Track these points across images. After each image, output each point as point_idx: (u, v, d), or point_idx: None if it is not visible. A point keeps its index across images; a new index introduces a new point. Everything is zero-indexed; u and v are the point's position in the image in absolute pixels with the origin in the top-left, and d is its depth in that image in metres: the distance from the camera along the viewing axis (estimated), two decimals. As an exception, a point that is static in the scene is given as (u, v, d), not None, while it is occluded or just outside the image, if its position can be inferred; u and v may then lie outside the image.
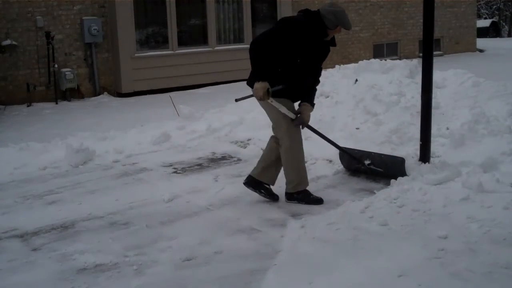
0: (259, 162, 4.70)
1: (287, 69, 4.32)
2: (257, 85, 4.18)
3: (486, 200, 4.31)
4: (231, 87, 11.03)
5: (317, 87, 4.75)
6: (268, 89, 4.17)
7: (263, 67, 4.23)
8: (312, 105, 4.55)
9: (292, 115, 4.40)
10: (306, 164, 5.50)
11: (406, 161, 4.89)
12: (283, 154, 4.52)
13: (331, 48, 4.60)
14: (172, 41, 11.33)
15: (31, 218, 4.49)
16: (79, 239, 4.04)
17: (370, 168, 5.01)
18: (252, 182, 4.65)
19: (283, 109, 4.35)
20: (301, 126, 4.49)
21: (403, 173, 4.84)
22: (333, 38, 4.56)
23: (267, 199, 4.63)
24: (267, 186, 4.65)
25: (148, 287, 3.32)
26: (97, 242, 3.97)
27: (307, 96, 4.52)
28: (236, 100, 4.50)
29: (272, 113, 4.48)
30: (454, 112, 6.39)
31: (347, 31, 4.57)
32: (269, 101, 4.26)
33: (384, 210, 4.28)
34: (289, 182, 4.59)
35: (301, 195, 4.58)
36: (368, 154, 5.08)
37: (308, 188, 4.63)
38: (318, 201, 4.56)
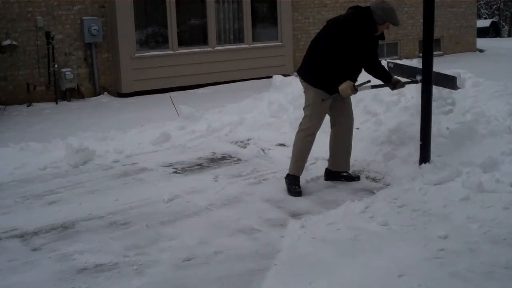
0: (330, 154, 5.06)
1: (346, 66, 4.62)
2: (343, 86, 4.52)
3: (486, 200, 4.31)
4: (231, 87, 11.04)
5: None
6: (353, 85, 4.57)
7: (336, 73, 4.56)
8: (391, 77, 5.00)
9: (382, 85, 4.99)
10: (306, 164, 5.53)
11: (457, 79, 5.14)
12: (297, 132, 4.87)
13: None
14: (172, 41, 11.33)
15: (31, 218, 4.49)
16: (79, 239, 4.04)
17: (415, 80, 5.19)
18: (330, 175, 5.04)
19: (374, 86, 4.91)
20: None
21: (454, 87, 5.18)
22: (382, 32, 4.82)
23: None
24: (345, 173, 5.02)
25: (148, 287, 3.33)
26: (97, 242, 3.97)
27: (385, 74, 4.98)
28: (323, 100, 4.73)
29: (308, 97, 4.82)
30: (454, 112, 6.38)
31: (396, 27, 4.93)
32: (358, 91, 4.66)
33: (384, 210, 4.28)
34: (290, 163, 4.90)
35: (289, 179, 4.83)
36: (419, 71, 5.14)
37: (303, 184, 4.87)
38: (296, 193, 4.72)
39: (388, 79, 4.96)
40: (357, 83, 4.68)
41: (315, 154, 5.81)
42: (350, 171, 5.07)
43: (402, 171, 5.03)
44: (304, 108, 4.90)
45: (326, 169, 5.12)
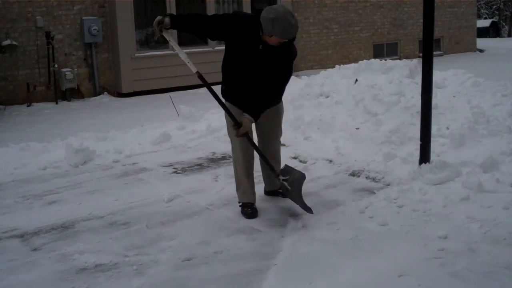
0: (263, 175, 4.70)
1: (229, 69, 4.26)
2: (158, 18, 4.11)
3: (486, 200, 4.31)
4: (231, 87, 11.03)
5: (275, 103, 4.28)
6: (161, 21, 4.05)
7: (182, 16, 4.24)
8: (254, 117, 4.05)
9: (193, 68, 4.23)
10: (306, 165, 5.54)
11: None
12: None
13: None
14: (172, 41, 11.32)
15: (31, 218, 4.49)
16: (79, 239, 4.03)
17: (282, 184, 4.30)
18: (269, 193, 4.74)
19: (182, 55, 4.27)
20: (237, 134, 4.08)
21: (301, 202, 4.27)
22: (288, 46, 4.02)
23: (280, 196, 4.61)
24: (280, 189, 4.50)
25: (148, 287, 3.32)
26: (97, 242, 3.96)
27: (250, 106, 4.10)
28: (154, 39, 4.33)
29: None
30: (454, 112, 6.39)
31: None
32: (166, 36, 4.15)
33: (384, 210, 4.29)
34: None
35: (240, 204, 4.43)
36: (291, 171, 4.42)
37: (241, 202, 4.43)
38: (249, 215, 4.31)
39: (242, 108, 4.15)
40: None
41: (315, 154, 5.82)
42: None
43: (402, 171, 5.03)
44: None
45: (264, 188, 4.74)
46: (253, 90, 4.13)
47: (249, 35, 4.01)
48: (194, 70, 4.10)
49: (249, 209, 4.37)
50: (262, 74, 4.08)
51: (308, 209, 4.25)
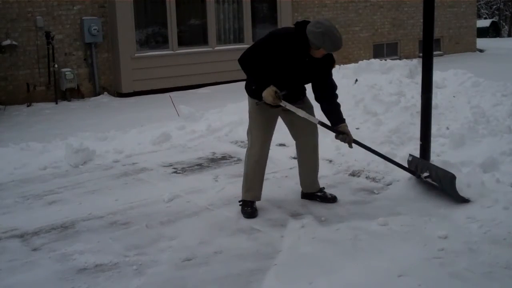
0: (299, 174, 4.68)
1: (277, 80, 4.16)
2: (265, 92, 4.07)
3: (486, 200, 4.31)
4: (231, 87, 11.03)
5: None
6: (276, 91, 4.07)
7: (260, 77, 4.14)
8: (344, 120, 4.42)
9: (314, 120, 4.33)
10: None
11: (457, 179, 4.27)
12: (245, 154, 4.51)
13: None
14: (172, 41, 11.33)
15: (31, 218, 4.49)
16: (79, 239, 4.03)
17: (427, 181, 4.54)
18: (304, 195, 4.67)
19: (301, 113, 4.26)
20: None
21: (454, 192, 4.26)
22: (330, 56, 4.22)
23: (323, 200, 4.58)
24: (319, 193, 4.60)
25: (148, 287, 3.32)
26: (97, 242, 3.96)
27: (337, 115, 4.40)
28: (257, 104, 4.29)
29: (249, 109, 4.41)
30: (454, 112, 6.39)
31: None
32: (282, 104, 4.14)
33: (384, 210, 4.29)
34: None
35: (241, 203, 4.44)
36: (429, 166, 4.61)
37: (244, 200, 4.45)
38: (248, 214, 4.34)
39: (335, 122, 4.34)
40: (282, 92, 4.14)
41: (315, 154, 5.81)
42: (323, 188, 4.67)
43: (402, 171, 5.02)
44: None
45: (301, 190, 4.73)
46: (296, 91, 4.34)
47: (296, 51, 4.11)
48: (316, 121, 4.35)
49: (248, 208, 4.37)
50: (310, 79, 4.29)
51: (464, 199, 4.27)
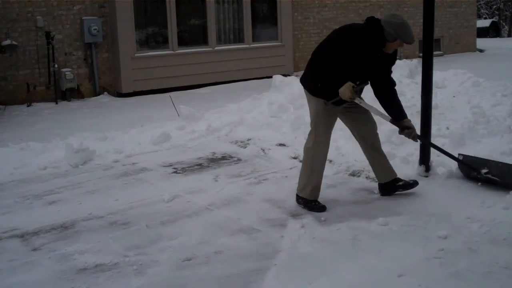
0: (373, 170, 4.67)
1: (344, 76, 4.16)
2: (343, 88, 4.08)
3: (486, 200, 4.31)
4: (231, 87, 11.04)
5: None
6: (353, 86, 4.08)
7: (333, 74, 4.15)
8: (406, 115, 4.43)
9: (386, 117, 4.34)
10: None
11: None
12: (304, 151, 4.49)
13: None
14: (172, 41, 11.33)
15: (31, 218, 4.49)
16: (79, 239, 4.03)
17: (488, 177, 4.57)
18: (384, 189, 4.61)
19: (373, 110, 4.31)
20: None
21: None
22: (395, 54, 4.38)
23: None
24: (400, 182, 4.59)
25: (148, 287, 3.32)
26: (97, 242, 3.96)
27: (398, 109, 4.42)
28: (326, 104, 4.26)
29: (310, 110, 4.46)
30: (454, 112, 6.39)
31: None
32: (356, 101, 4.15)
33: (384, 210, 4.29)
34: (299, 183, 4.51)
35: (304, 201, 4.45)
36: (485, 162, 4.65)
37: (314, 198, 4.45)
38: (321, 208, 4.39)
39: (397, 117, 4.35)
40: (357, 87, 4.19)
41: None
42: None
43: (402, 171, 5.03)
44: (310, 123, 4.51)
45: (379, 184, 4.67)
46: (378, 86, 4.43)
47: (371, 46, 4.17)
48: (388, 119, 4.36)
49: (317, 203, 4.40)
50: (375, 75, 4.35)
51: None
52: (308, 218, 4.21)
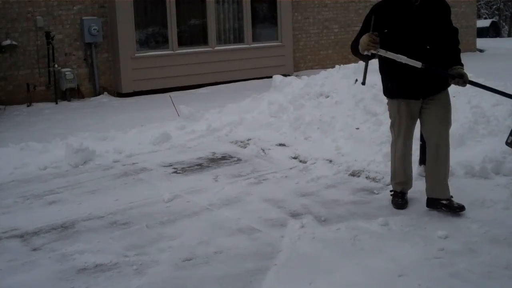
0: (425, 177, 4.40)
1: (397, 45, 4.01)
2: (361, 41, 3.95)
3: (486, 200, 4.31)
4: (231, 87, 11.04)
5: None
6: (370, 35, 3.87)
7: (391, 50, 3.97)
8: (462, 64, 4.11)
9: (417, 63, 3.90)
10: (306, 164, 5.53)
11: None
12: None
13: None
14: (172, 41, 11.33)
15: (31, 218, 4.49)
16: (79, 239, 4.03)
17: None
18: (429, 202, 4.28)
19: (403, 59, 3.94)
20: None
21: None
22: (442, 1, 4.10)
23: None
24: (445, 201, 4.16)
25: (148, 287, 3.33)
26: (97, 242, 3.97)
27: (453, 57, 4.10)
28: (363, 83, 4.16)
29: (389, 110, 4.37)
30: (454, 112, 6.38)
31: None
32: (376, 52, 3.93)
33: (384, 210, 4.29)
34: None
35: (392, 193, 4.46)
36: None
37: (394, 190, 4.43)
38: (397, 205, 4.34)
39: (449, 63, 4.03)
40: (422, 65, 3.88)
41: (315, 154, 5.82)
42: (449, 197, 4.17)
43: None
44: None
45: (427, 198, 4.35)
46: (427, 55, 4.02)
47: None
48: (419, 65, 3.93)
49: (399, 200, 4.37)
50: (428, 36, 4.02)
51: None
52: (308, 218, 4.21)
